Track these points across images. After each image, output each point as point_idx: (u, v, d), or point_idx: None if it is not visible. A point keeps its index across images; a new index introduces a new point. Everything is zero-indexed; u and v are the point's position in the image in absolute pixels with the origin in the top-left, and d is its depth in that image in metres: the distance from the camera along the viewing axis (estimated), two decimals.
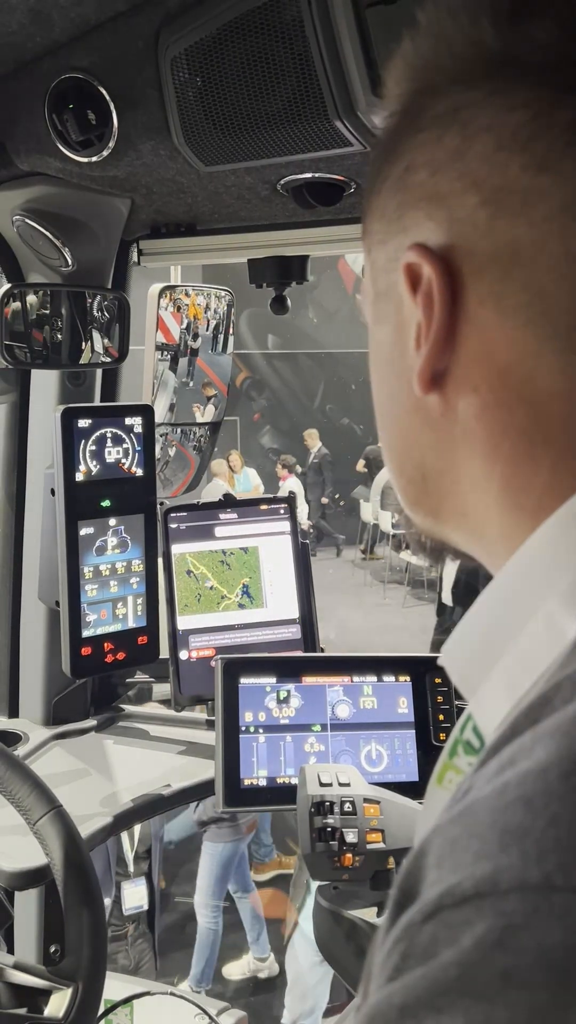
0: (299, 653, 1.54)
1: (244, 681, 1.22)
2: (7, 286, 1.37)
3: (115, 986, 1.45)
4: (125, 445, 1.42)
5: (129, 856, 3.09)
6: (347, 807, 1.00)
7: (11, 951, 1.33)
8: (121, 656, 1.45)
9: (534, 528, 0.43)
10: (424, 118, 0.47)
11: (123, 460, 1.43)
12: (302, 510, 8.28)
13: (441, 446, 0.48)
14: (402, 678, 1.27)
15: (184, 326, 1.63)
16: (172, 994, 1.48)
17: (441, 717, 1.26)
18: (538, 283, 0.43)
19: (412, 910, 0.31)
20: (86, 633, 1.41)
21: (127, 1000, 1.43)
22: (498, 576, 0.45)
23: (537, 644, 0.41)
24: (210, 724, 1.53)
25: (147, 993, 1.46)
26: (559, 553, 0.42)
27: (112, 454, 1.41)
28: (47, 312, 1.40)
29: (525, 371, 0.44)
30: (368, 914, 0.98)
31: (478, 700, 0.45)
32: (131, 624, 1.46)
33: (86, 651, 1.41)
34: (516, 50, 0.44)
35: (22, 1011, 0.90)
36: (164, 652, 1.53)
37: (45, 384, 1.55)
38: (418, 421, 0.49)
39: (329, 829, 0.99)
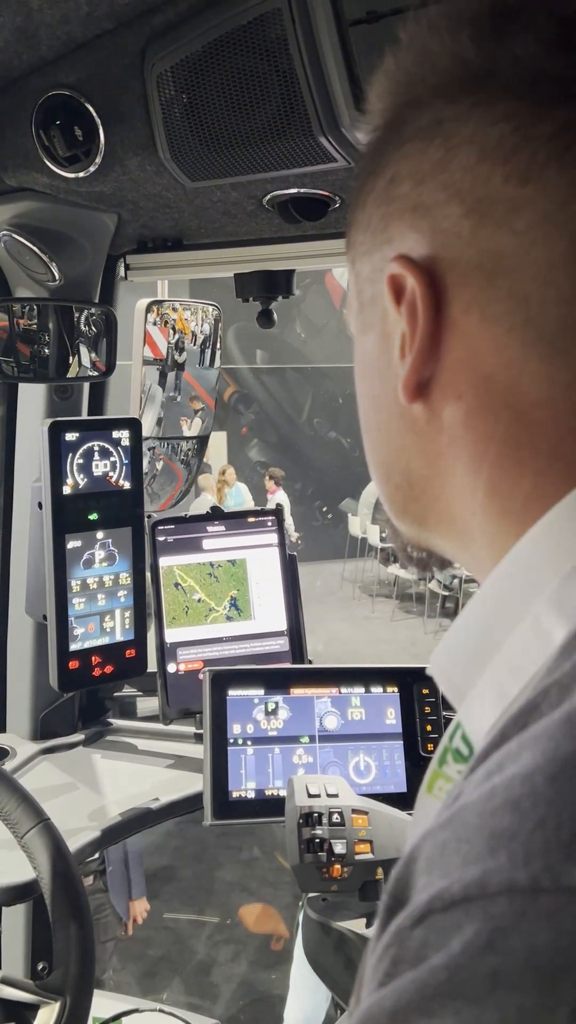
0: (287, 665, 1.55)
1: (232, 693, 1.22)
2: None
3: (103, 1004, 1.44)
4: (112, 458, 1.43)
5: None
6: (335, 818, 1.00)
7: None
8: (109, 669, 1.45)
9: (519, 534, 0.43)
10: (407, 131, 0.48)
11: (110, 473, 1.43)
12: (289, 523, 8.29)
13: (427, 453, 0.49)
14: (390, 689, 1.27)
15: (173, 341, 1.64)
16: (161, 1010, 1.47)
17: (429, 728, 1.26)
18: (521, 291, 0.43)
19: (402, 915, 0.31)
20: (73, 647, 1.40)
21: (116, 1018, 1.42)
22: (485, 583, 0.45)
23: (525, 650, 0.41)
24: (198, 737, 1.53)
25: (136, 1010, 1.45)
26: (545, 559, 0.42)
27: (99, 467, 1.41)
28: (34, 326, 1.40)
29: (509, 378, 0.44)
30: (357, 925, 0.98)
31: (467, 708, 0.45)
32: (119, 637, 1.46)
33: (73, 665, 1.40)
34: (497, 65, 0.45)
35: None
36: (152, 665, 1.52)
37: (32, 398, 1.55)
38: (404, 429, 0.50)
39: (318, 840, 0.99)
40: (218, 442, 11.60)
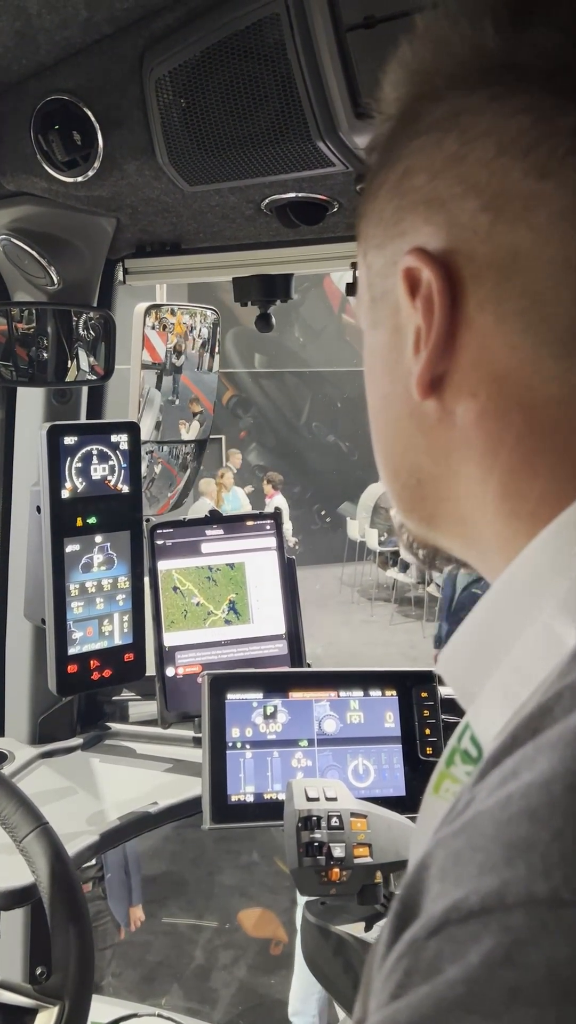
0: (286, 668, 1.55)
1: (231, 697, 1.22)
2: None
3: (102, 1008, 1.43)
4: (111, 462, 1.43)
5: None
6: (334, 822, 1.00)
7: None
8: (107, 673, 1.45)
9: (531, 535, 0.43)
10: (423, 123, 0.47)
11: (109, 477, 1.43)
12: (286, 527, 8.29)
13: (437, 451, 0.48)
14: (388, 692, 1.27)
15: (171, 345, 1.64)
16: (160, 1015, 1.47)
17: (428, 731, 1.26)
18: (537, 289, 0.43)
19: (416, 925, 0.30)
20: (72, 651, 1.40)
21: (115, 1022, 1.42)
22: (495, 584, 0.44)
23: (535, 653, 0.41)
24: (197, 741, 1.53)
25: (134, 1015, 1.45)
26: (557, 561, 0.41)
27: (98, 471, 1.41)
28: (33, 330, 1.41)
29: (523, 377, 0.43)
30: (356, 929, 0.97)
31: (476, 709, 0.44)
32: (117, 641, 1.46)
33: (72, 669, 1.40)
34: (517, 56, 0.44)
35: None
36: (150, 669, 1.52)
37: (31, 402, 1.55)
38: (414, 426, 0.49)
39: (316, 844, 0.99)
40: (217, 447, 11.61)
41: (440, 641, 5.88)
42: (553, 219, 0.42)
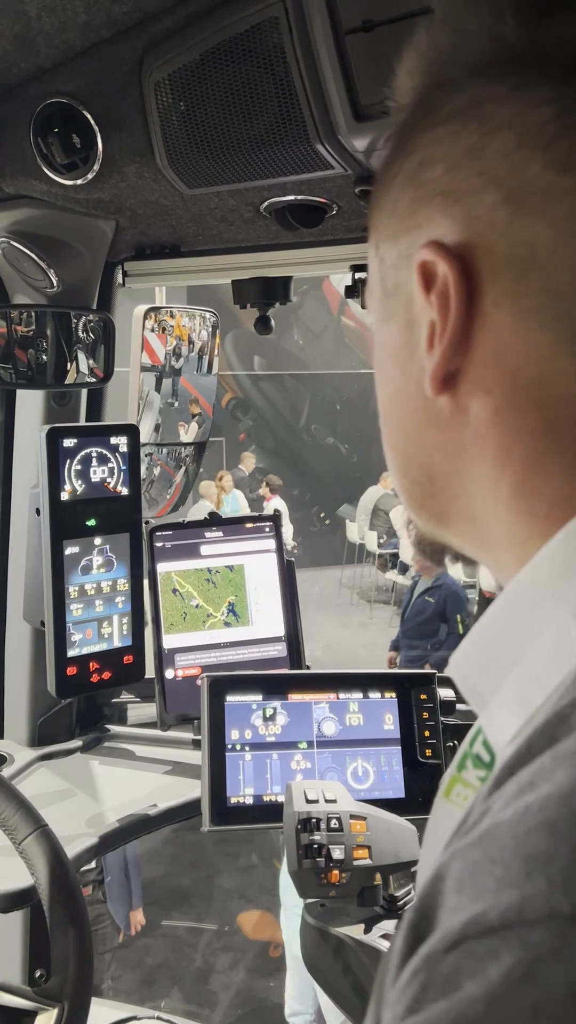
0: (285, 670, 1.55)
1: (230, 699, 1.22)
2: None
3: (101, 1011, 1.43)
4: (110, 464, 1.43)
5: None
6: (333, 824, 1.00)
7: None
8: (107, 675, 1.45)
9: (544, 536, 0.42)
10: (440, 113, 0.46)
11: (108, 479, 1.43)
12: (287, 529, 8.29)
13: (449, 448, 0.47)
14: (388, 694, 1.27)
15: (170, 348, 1.64)
16: (159, 1018, 1.47)
17: (427, 733, 1.26)
18: (555, 285, 0.42)
19: (433, 939, 0.30)
20: (71, 653, 1.40)
21: None
22: (509, 586, 0.44)
23: (549, 657, 0.40)
24: (196, 743, 1.53)
25: (134, 1018, 1.44)
26: (572, 564, 0.41)
27: (97, 473, 1.41)
28: (32, 333, 1.41)
29: (539, 374, 0.42)
30: (355, 931, 0.97)
31: (488, 713, 0.43)
32: (116, 643, 1.46)
33: (71, 671, 1.40)
34: (540, 46, 0.43)
35: None
36: (150, 671, 1.52)
37: (30, 404, 1.55)
38: (425, 422, 0.48)
39: (316, 846, 0.98)
40: (217, 449, 11.62)
41: (394, 645, 5.95)
42: (573, 215, 0.41)
